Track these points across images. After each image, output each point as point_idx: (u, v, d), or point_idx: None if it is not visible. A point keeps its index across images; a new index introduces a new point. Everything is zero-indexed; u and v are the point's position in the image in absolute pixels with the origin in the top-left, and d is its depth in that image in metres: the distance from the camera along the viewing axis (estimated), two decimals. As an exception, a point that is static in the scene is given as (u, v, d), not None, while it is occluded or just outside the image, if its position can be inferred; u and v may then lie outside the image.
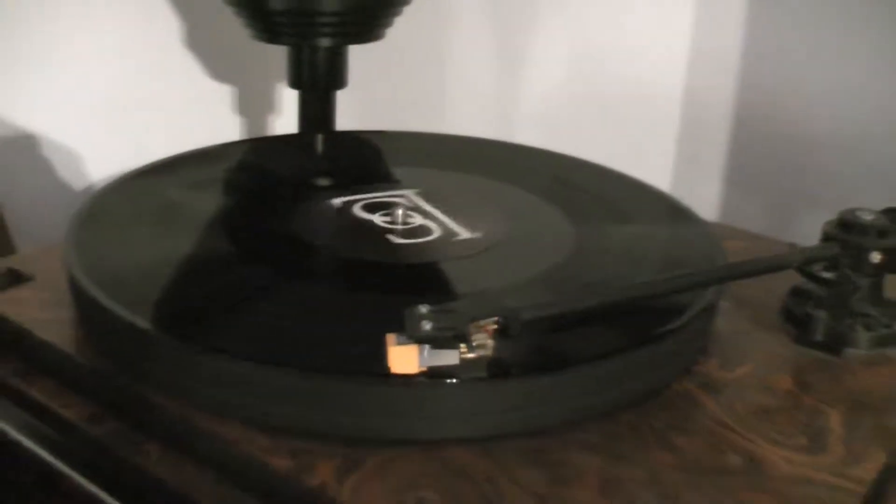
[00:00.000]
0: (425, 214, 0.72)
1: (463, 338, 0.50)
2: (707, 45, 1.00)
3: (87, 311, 0.60)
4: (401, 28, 0.89)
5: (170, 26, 1.02)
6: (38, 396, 0.59)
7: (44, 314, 0.63)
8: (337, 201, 0.74)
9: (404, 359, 0.49)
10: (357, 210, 0.73)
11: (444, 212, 0.72)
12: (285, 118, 1.14)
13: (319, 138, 0.89)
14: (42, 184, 0.95)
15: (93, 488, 0.58)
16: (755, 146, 1.00)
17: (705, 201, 1.02)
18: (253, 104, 1.12)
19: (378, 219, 0.71)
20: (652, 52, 1.03)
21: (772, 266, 0.61)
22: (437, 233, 0.69)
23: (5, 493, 0.65)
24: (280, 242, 0.68)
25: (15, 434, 0.63)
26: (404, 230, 0.69)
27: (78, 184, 0.97)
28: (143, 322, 0.55)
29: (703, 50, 1.00)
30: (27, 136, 0.93)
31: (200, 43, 1.04)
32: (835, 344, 0.62)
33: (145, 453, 0.53)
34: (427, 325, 0.49)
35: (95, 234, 0.66)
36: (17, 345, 0.62)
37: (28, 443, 0.62)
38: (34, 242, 0.88)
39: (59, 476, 0.60)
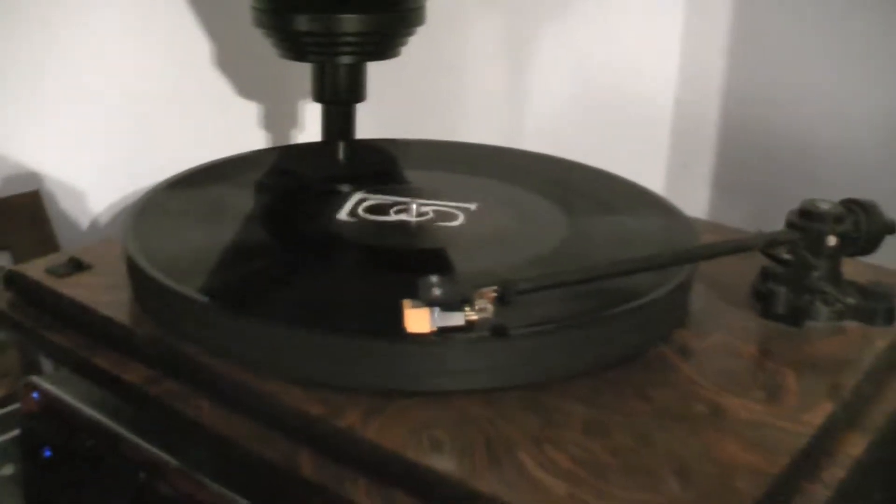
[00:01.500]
0: (435, 209, 0.81)
1: (467, 302, 0.59)
2: (695, 62, 1.09)
3: (145, 287, 0.69)
4: (416, 46, 0.99)
5: (200, 48, 1.11)
6: (102, 364, 0.68)
7: (104, 296, 0.72)
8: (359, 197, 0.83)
9: (418, 320, 0.58)
10: (377, 204, 0.82)
11: (452, 206, 0.82)
12: (307, 133, 1.23)
13: (341, 145, 0.98)
14: (76, 182, 1.04)
15: (149, 446, 0.67)
16: (741, 153, 1.09)
17: (695, 205, 1.11)
18: (280, 120, 1.21)
19: (395, 212, 0.80)
20: (645, 69, 1.12)
21: (738, 247, 0.70)
22: (445, 224, 0.78)
23: (68, 456, 0.74)
24: (309, 232, 0.78)
25: (76, 403, 0.72)
26: (417, 222, 0.78)
27: (110, 190, 1.06)
28: (196, 294, 0.65)
29: (692, 66, 1.09)
30: (61, 140, 1.02)
31: (231, 63, 1.14)
32: (796, 317, 0.71)
33: (197, 408, 0.62)
34: (437, 291, 0.58)
35: (149, 225, 0.76)
36: (83, 322, 0.71)
37: (88, 410, 0.71)
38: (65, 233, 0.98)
39: (117, 438, 0.69)
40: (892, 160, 1.01)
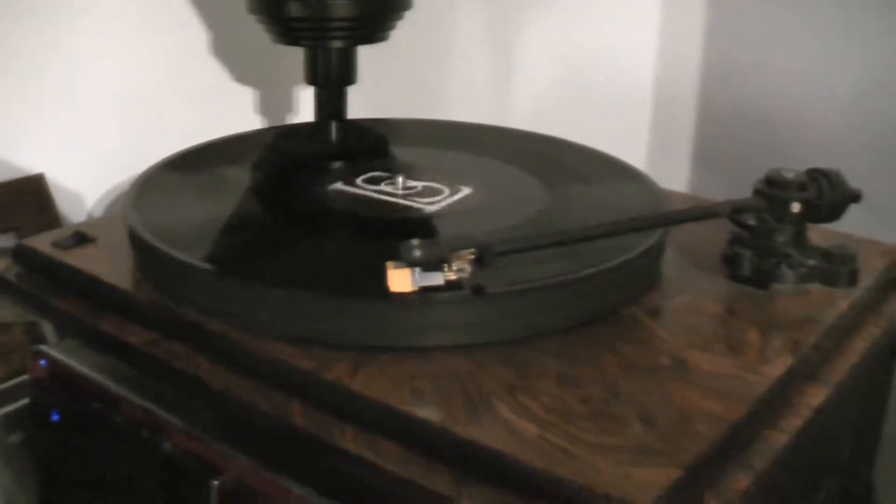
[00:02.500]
0: (421, 182, 0.85)
1: (447, 263, 0.63)
2: (673, 44, 1.13)
3: (146, 256, 0.73)
4: (406, 31, 1.02)
5: (198, 36, 1.15)
6: (107, 328, 0.72)
7: (107, 266, 0.76)
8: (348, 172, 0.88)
9: (400, 280, 0.62)
10: (364, 178, 0.86)
11: (436, 180, 0.86)
12: (303, 116, 1.27)
13: (332, 124, 1.02)
14: (80, 167, 1.08)
15: (150, 407, 0.71)
16: (720, 130, 1.13)
17: (677, 180, 1.15)
18: (276, 104, 1.25)
19: (383, 185, 0.84)
20: (625, 51, 1.16)
21: (705, 214, 0.74)
22: (429, 195, 0.83)
23: (75, 419, 0.78)
24: (300, 204, 0.82)
25: (82, 369, 0.76)
26: (404, 194, 0.82)
27: (111, 174, 1.10)
28: (195, 261, 0.69)
29: (670, 48, 1.13)
30: (68, 128, 1.06)
31: (228, 50, 1.18)
32: (762, 280, 0.75)
33: (196, 366, 0.66)
34: (417, 253, 0.62)
35: (149, 199, 0.80)
36: (88, 290, 0.75)
37: (93, 375, 0.75)
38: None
39: (121, 400, 0.73)
40: (865, 136, 1.04)
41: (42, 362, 0.79)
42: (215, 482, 0.66)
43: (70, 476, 0.80)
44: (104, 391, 0.74)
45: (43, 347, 0.79)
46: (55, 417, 0.79)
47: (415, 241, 0.62)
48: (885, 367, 0.83)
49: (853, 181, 0.77)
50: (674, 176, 1.15)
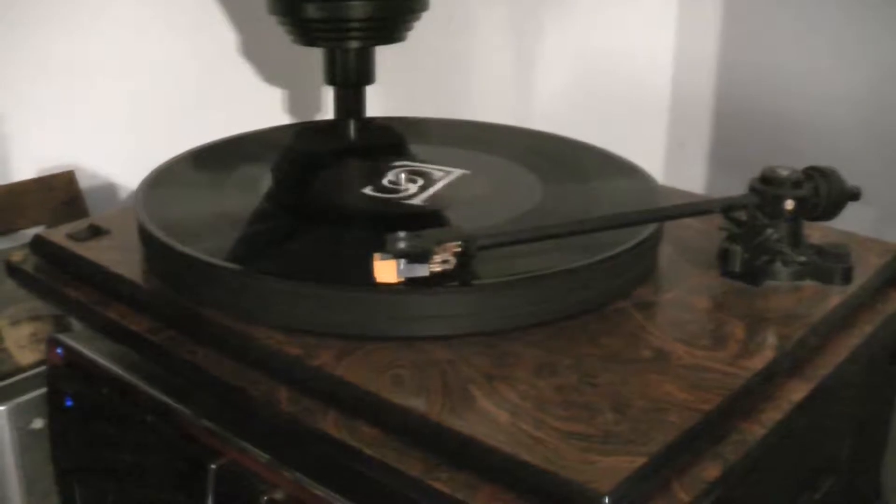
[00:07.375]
0: (425, 177, 0.87)
1: (432, 255, 0.64)
2: (689, 45, 1.14)
3: (152, 248, 0.76)
4: (427, 34, 1.04)
5: (227, 37, 1.18)
6: (113, 316, 0.75)
7: (117, 256, 0.79)
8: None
9: (386, 270, 0.64)
10: (368, 174, 0.88)
11: (440, 175, 0.88)
12: (328, 115, 1.29)
13: (350, 123, 1.05)
14: (109, 164, 1.11)
15: (155, 393, 0.74)
16: (735, 131, 1.13)
17: (693, 181, 1.15)
18: (300, 103, 1.28)
19: (385, 182, 0.86)
20: (642, 53, 1.17)
21: (698, 210, 0.74)
22: (432, 191, 0.84)
23: (87, 404, 0.81)
24: (299, 199, 0.85)
25: (94, 356, 0.79)
26: (404, 189, 0.84)
27: (138, 171, 1.13)
28: (196, 253, 0.71)
29: (687, 49, 1.14)
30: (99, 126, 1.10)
31: (254, 50, 1.21)
32: (753, 276, 0.75)
33: (193, 353, 0.69)
34: (402, 244, 0.64)
35: (159, 193, 0.83)
36: (97, 279, 0.78)
37: (104, 363, 0.78)
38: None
39: (129, 387, 0.76)
40: (880, 135, 1.04)
41: (58, 350, 0.82)
42: (213, 466, 0.68)
43: (82, 460, 0.83)
44: (113, 378, 0.77)
45: (59, 335, 0.82)
46: (69, 403, 0.82)
47: (401, 234, 0.64)
48: (887, 368, 0.83)
49: (867, 181, 0.77)
50: (691, 176, 1.16)
